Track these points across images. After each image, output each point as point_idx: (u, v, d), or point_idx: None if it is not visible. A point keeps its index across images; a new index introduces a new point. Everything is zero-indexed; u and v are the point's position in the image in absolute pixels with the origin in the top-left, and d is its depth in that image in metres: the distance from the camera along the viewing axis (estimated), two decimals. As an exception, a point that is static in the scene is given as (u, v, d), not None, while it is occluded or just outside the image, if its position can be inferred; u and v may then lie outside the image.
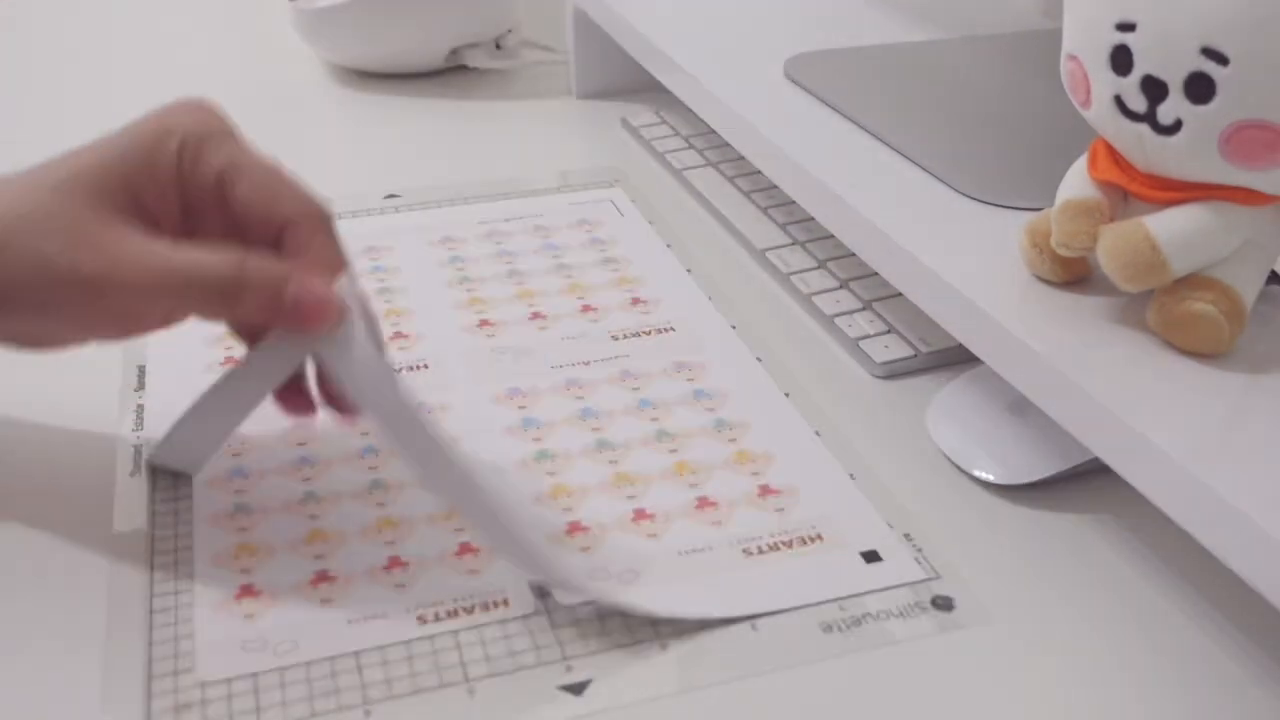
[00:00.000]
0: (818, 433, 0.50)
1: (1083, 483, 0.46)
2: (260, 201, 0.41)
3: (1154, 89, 0.39)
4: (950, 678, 0.39)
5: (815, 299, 0.58)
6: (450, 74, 0.89)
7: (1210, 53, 0.38)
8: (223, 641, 0.39)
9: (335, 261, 0.42)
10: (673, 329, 0.57)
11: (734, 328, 0.57)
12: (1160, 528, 0.41)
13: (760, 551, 0.43)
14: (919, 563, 0.43)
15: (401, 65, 0.88)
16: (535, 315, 0.58)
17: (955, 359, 0.54)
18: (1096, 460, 0.42)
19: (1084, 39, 0.41)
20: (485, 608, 0.41)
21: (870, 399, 0.52)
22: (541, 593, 0.41)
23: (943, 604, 0.41)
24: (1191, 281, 0.41)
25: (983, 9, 0.77)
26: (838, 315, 0.57)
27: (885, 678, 0.39)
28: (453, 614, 0.41)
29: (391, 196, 0.70)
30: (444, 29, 0.86)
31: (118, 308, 0.40)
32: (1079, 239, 0.43)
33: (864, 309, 0.57)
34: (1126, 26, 0.39)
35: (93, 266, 0.38)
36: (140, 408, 0.50)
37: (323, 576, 0.42)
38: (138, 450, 0.48)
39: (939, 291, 0.47)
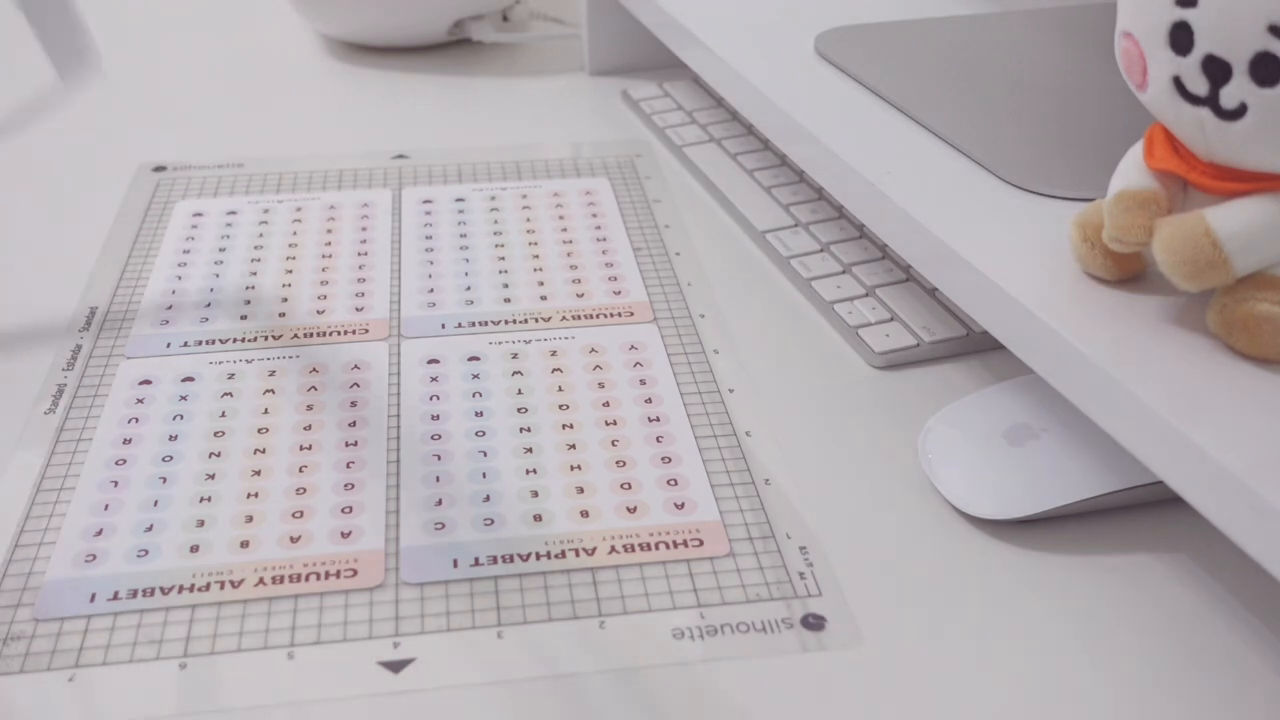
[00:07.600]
0: (748, 433, 0.51)
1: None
2: None
3: (1217, 70, 0.39)
4: (810, 696, 0.40)
5: (815, 284, 0.60)
6: (453, 48, 0.90)
7: (1279, 31, 0.37)
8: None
9: None
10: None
11: (702, 316, 0.59)
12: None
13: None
14: (802, 577, 0.45)
15: (400, 38, 0.88)
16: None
17: (960, 350, 0.55)
18: (1100, 499, 0.43)
19: (1140, 15, 0.41)
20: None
21: (864, 391, 0.53)
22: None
23: (814, 624, 0.43)
24: (1256, 280, 0.41)
25: (1034, -19, 0.78)
26: (838, 301, 0.58)
27: (738, 687, 0.40)
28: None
29: (399, 157, 0.74)
30: (446, -1, 0.86)
31: None
32: (1134, 233, 0.43)
33: (866, 295, 0.59)
34: (1187, 2, 0.39)
35: None
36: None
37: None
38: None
39: (980, 288, 0.47)
